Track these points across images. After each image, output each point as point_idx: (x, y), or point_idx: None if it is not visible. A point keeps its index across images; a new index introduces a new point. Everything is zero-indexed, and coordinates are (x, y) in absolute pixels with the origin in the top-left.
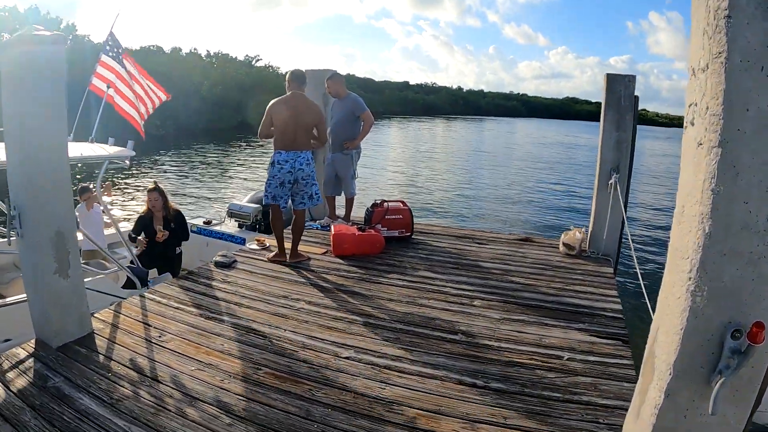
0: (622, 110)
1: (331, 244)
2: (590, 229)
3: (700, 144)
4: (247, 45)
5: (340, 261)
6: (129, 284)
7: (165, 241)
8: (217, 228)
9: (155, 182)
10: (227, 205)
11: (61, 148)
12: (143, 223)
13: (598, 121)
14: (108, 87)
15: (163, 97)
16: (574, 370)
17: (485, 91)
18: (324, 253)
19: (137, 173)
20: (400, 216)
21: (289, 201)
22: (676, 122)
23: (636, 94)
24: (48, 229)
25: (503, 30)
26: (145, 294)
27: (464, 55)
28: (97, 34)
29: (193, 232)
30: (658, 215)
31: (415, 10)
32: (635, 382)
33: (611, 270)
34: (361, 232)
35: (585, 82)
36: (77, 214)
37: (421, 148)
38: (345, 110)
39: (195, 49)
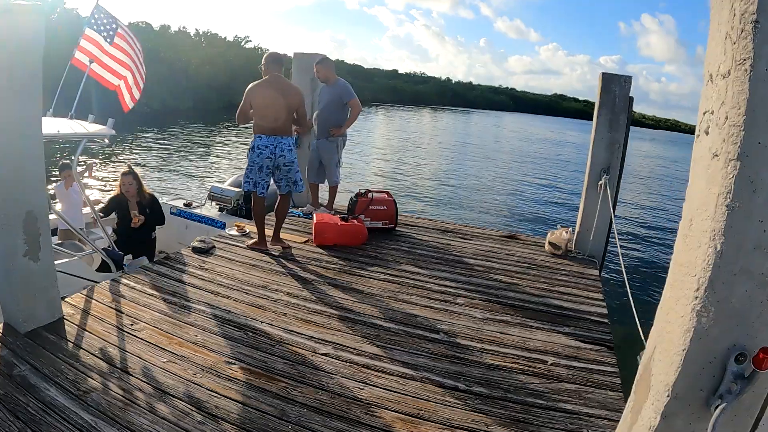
0: (616, 111)
1: (313, 232)
2: (577, 229)
3: (716, 155)
4: (238, 25)
5: (321, 251)
6: (104, 267)
7: (140, 227)
8: (198, 211)
9: (129, 165)
10: (209, 187)
11: (35, 123)
12: (116, 205)
13: (585, 119)
14: (91, 61)
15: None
16: (558, 376)
17: (474, 83)
18: (305, 242)
19: (119, 151)
20: (385, 207)
21: (272, 185)
22: (662, 124)
23: (631, 95)
24: (18, 209)
25: (495, 23)
26: (120, 279)
27: (455, 46)
28: (87, 7)
29: (172, 213)
30: (644, 217)
31: None
32: (620, 391)
33: (597, 272)
34: (343, 222)
35: (574, 79)
36: (55, 192)
37: (407, 137)
38: (333, 96)
39: (184, 27)
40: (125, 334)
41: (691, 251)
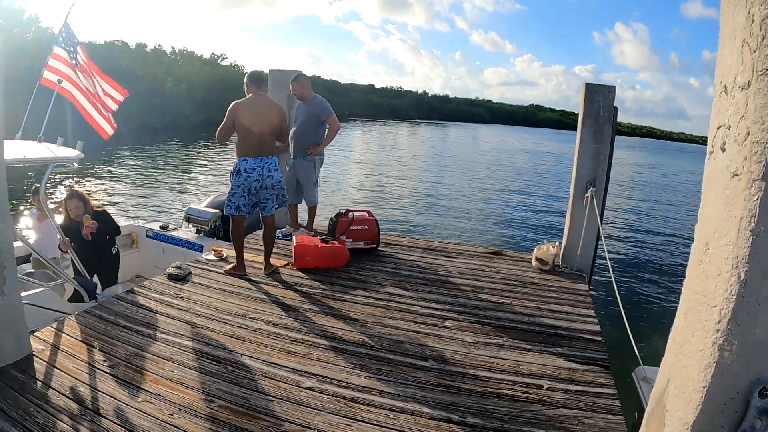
0: (600, 121)
1: (293, 256)
2: (564, 243)
3: (737, 175)
4: (214, 43)
5: (302, 274)
6: (76, 297)
7: (98, 243)
8: (174, 233)
9: (72, 189)
10: (186, 208)
11: None
12: (67, 232)
13: (562, 129)
14: (60, 80)
15: (120, 97)
16: (556, 401)
17: (451, 96)
18: (285, 265)
19: (93, 173)
20: (366, 227)
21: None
22: (638, 131)
23: (615, 105)
24: None
25: (471, 36)
26: (92, 310)
27: (431, 59)
28: (59, 28)
29: (148, 237)
30: (628, 226)
31: (384, 14)
32: (620, 414)
33: (586, 287)
34: (324, 244)
35: (549, 89)
36: (30, 218)
37: (385, 152)
38: (310, 114)
39: (159, 45)
40: (97, 371)
41: (709, 280)
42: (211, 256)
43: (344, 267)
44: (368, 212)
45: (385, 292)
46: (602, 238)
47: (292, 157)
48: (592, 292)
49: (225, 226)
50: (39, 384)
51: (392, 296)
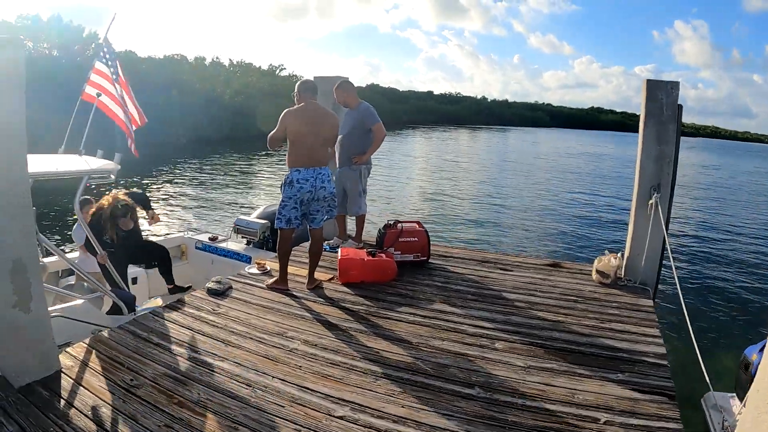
0: (664, 120)
1: (338, 270)
2: (627, 254)
3: None
4: (272, 54)
5: (347, 290)
6: (114, 309)
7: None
8: (223, 245)
9: (125, 202)
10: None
11: (20, 163)
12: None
13: (623, 131)
14: (99, 94)
15: (139, 122)
16: None
17: (510, 101)
18: (330, 280)
19: (145, 183)
20: (416, 239)
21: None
22: (701, 131)
23: (679, 102)
24: (3, 258)
25: (528, 39)
26: (126, 325)
27: (489, 64)
28: (120, 43)
29: (197, 248)
30: (698, 234)
31: (441, 20)
32: None
33: (650, 302)
34: (371, 257)
35: (610, 91)
36: (74, 232)
37: (444, 158)
38: (355, 121)
39: (217, 57)
40: (123, 391)
41: None
42: (254, 270)
43: (392, 281)
44: (418, 223)
45: (433, 309)
46: (668, 248)
47: (338, 166)
48: (656, 308)
49: (274, 237)
50: (62, 402)
51: (440, 313)
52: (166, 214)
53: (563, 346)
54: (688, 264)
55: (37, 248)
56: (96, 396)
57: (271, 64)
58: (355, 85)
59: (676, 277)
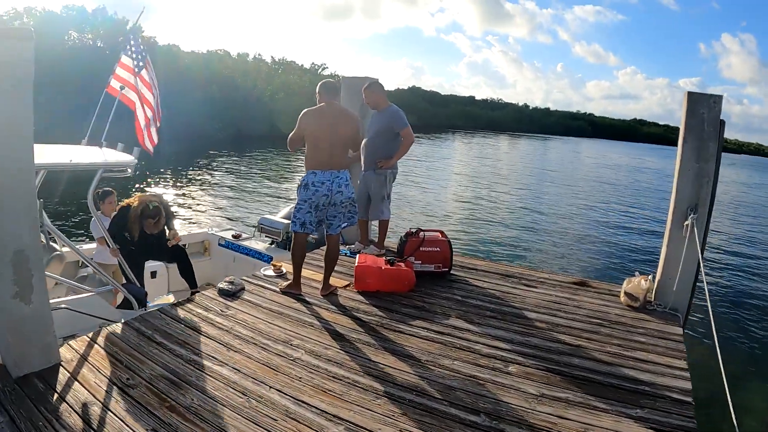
0: (704, 137)
1: (354, 276)
2: (658, 277)
3: None
4: (315, 54)
5: (362, 298)
6: (125, 304)
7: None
8: (246, 243)
9: (157, 204)
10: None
11: (24, 154)
12: (124, 227)
13: (665, 144)
14: (122, 87)
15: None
16: None
17: (552, 109)
18: (346, 287)
19: (176, 176)
20: (437, 249)
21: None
22: (745, 148)
23: (721, 118)
24: (5, 248)
25: (573, 48)
26: (131, 321)
27: (533, 71)
28: (164, 37)
29: (220, 245)
30: (735, 259)
31: (486, 26)
32: None
33: (680, 330)
34: (389, 266)
35: (653, 103)
36: (92, 225)
37: (483, 165)
38: (383, 124)
39: (259, 54)
40: (117, 390)
41: None
42: (270, 272)
43: (409, 292)
44: (441, 232)
45: (448, 325)
46: (703, 273)
47: (363, 169)
48: (686, 337)
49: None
50: (55, 397)
51: (455, 330)
52: (194, 207)
53: (581, 374)
54: (723, 291)
55: (40, 240)
56: (90, 392)
57: (313, 63)
58: (397, 87)
59: (709, 305)
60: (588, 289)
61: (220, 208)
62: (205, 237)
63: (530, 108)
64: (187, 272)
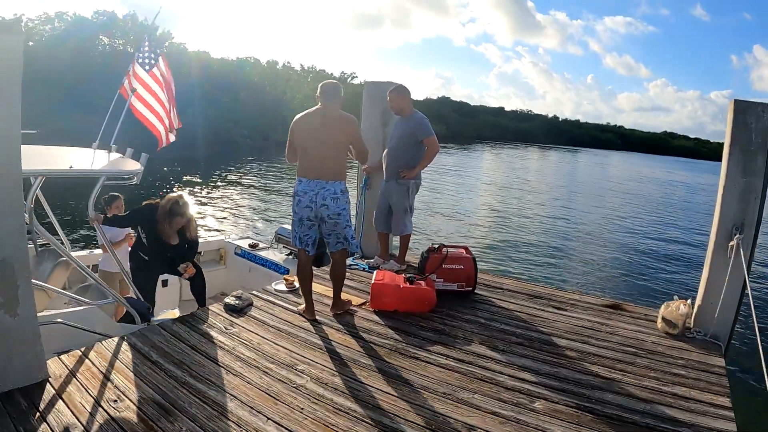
0: (752, 149)
1: (370, 294)
2: (699, 301)
3: None
4: (345, 62)
5: (377, 318)
6: (127, 318)
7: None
8: (263, 253)
9: (179, 199)
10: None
11: (10, 155)
12: (143, 219)
13: (695, 158)
14: (133, 90)
15: (176, 124)
16: None
17: (581, 121)
18: (362, 305)
19: (199, 182)
20: (461, 266)
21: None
22: None
23: None
24: None
25: (604, 59)
26: (129, 337)
27: (563, 83)
28: (194, 44)
29: (236, 254)
30: None
31: (517, 36)
32: None
33: (722, 361)
34: (408, 284)
35: (684, 116)
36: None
37: (511, 177)
38: (405, 131)
39: (288, 62)
40: (103, 412)
41: None
42: (282, 286)
43: (429, 313)
44: (465, 248)
45: (470, 351)
46: (749, 297)
47: (384, 179)
48: (728, 368)
49: (317, 251)
50: (36, 416)
51: (477, 358)
52: (215, 214)
53: (615, 413)
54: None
55: (28, 249)
56: (73, 414)
57: (342, 72)
58: (426, 97)
59: (758, 334)
60: (622, 313)
61: (242, 216)
62: (222, 245)
63: (560, 119)
64: (198, 289)
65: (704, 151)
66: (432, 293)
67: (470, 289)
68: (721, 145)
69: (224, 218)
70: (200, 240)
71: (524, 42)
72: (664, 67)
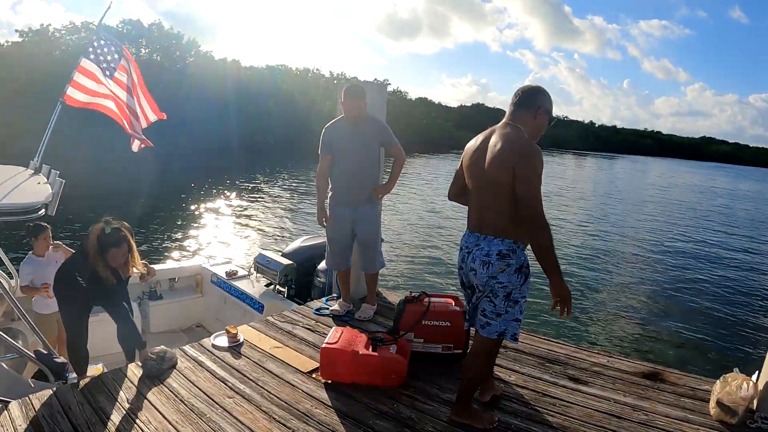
0: None
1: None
2: (766, 377)
3: None
4: (379, 71)
5: (324, 396)
6: (41, 375)
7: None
8: (239, 283)
9: (121, 226)
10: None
11: None
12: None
13: (736, 163)
14: (88, 97)
15: (153, 117)
16: None
17: (619, 126)
18: (311, 372)
19: (205, 192)
20: (448, 323)
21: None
22: None
23: None
24: None
25: (642, 64)
26: (30, 399)
27: (600, 88)
28: (222, 51)
29: (212, 282)
30: None
31: (555, 42)
32: None
33: None
34: (368, 350)
35: (723, 120)
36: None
37: (545, 187)
38: (368, 140)
39: (317, 69)
40: None
41: None
42: (222, 341)
43: (399, 388)
44: (454, 298)
45: None
46: None
47: (344, 204)
48: None
49: (300, 283)
50: None
51: None
52: (237, 229)
53: None
54: None
55: None
56: None
57: (375, 79)
58: (461, 104)
59: None
60: (663, 385)
61: (255, 231)
62: (199, 271)
63: (596, 126)
64: (124, 337)
65: (744, 155)
66: (401, 363)
67: (460, 351)
68: (760, 149)
69: (218, 237)
70: (176, 265)
71: (562, 47)
72: (702, 70)
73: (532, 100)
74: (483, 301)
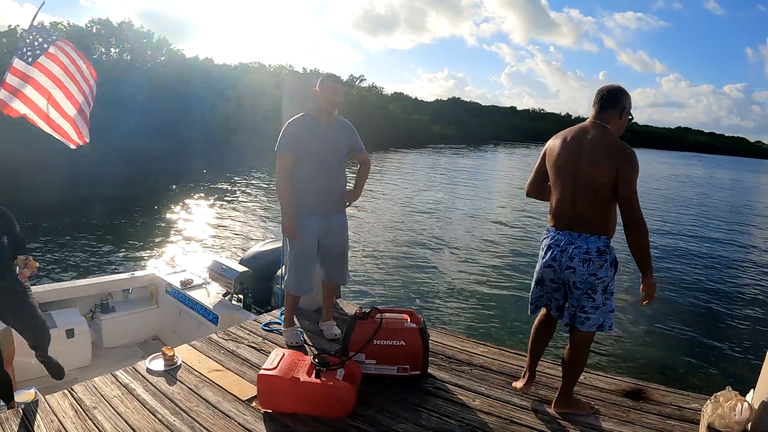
0: None
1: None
2: (761, 395)
3: None
4: (356, 67)
5: (264, 428)
6: None
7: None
8: (194, 293)
9: None
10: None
11: None
12: None
13: (711, 153)
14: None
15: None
16: None
17: None
18: (249, 400)
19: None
20: (402, 341)
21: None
22: None
23: None
24: None
25: (619, 56)
26: None
27: (576, 80)
28: (191, 50)
29: (167, 292)
30: None
31: (532, 35)
32: None
33: None
34: (311, 377)
35: (699, 111)
36: None
37: (518, 183)
38: (341, 141)
39: (291, 66)
40: None
41: None
42: (158, 363)
43: (346, 418)
44: (410, 314)
45: None
46: None
47: (318, 213)
48: None
49: (257, 292)
50: None
51: None
52: (195, 234)
53: None
54: None
55: None
56: None
57: (351, 75)
58: (437, 98)
59: None
60: (647, 404)
61: (198, 240)
62: (153, 281)
63: (573, 117)
64: (42, 351)
65: (720, 145)
66: (347, 391)
67: (418, 373)
68: (735, 139)
69: (175, 243)
70: (129, 275)
71: (538, 40)
72: (677, 61)
73: (617, 100)
74: (582, 297)
